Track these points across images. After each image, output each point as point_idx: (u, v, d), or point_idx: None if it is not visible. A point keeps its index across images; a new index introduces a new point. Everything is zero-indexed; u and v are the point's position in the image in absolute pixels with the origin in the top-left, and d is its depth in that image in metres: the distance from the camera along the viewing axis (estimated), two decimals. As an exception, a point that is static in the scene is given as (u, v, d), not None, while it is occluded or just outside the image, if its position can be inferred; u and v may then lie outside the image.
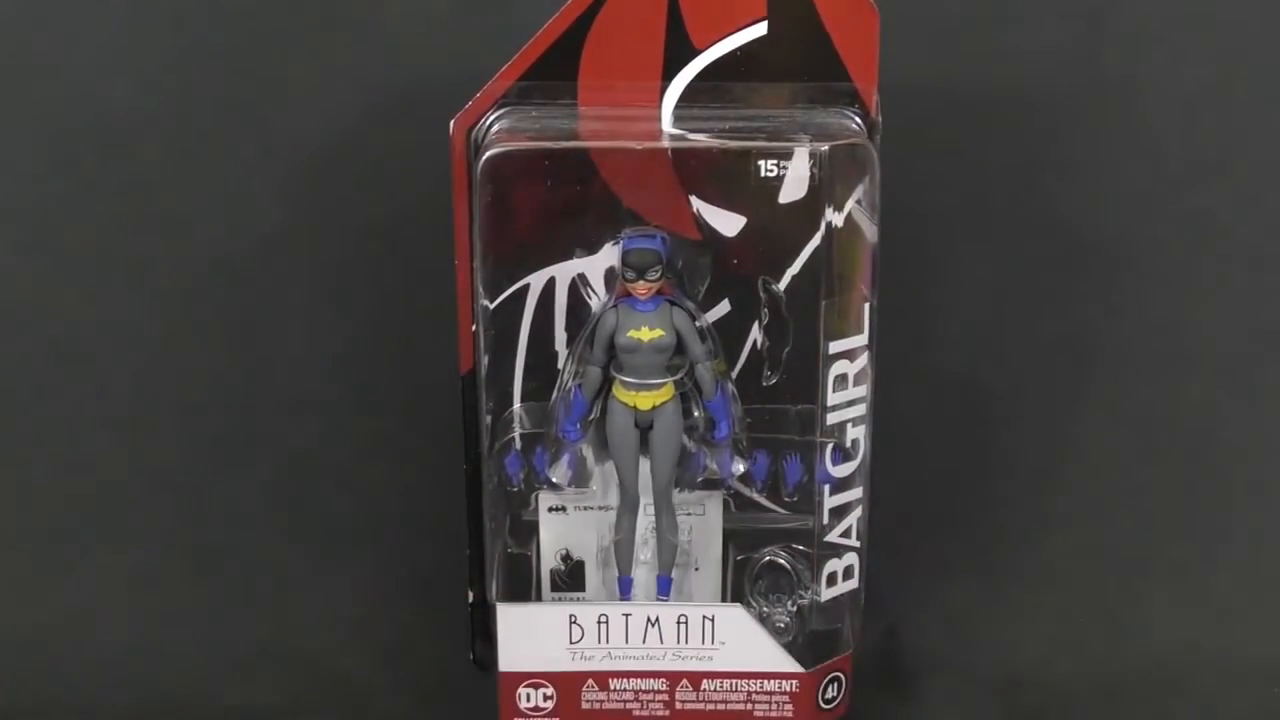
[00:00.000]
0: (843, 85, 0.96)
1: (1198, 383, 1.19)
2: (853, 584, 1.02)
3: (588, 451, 1.01)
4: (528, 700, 1.01)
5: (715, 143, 0.96)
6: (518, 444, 1.01)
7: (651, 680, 1.01)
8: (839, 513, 1.00)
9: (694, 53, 0.96)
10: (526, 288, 0.98)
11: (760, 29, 0.95)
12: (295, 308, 1.18)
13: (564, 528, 1.03)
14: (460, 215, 0.97)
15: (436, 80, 1.08)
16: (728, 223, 0.97)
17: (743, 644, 1.00)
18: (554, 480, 1.01)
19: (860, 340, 0.98)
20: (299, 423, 1.18)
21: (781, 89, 0.96)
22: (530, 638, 1.00)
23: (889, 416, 1.02)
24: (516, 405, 1.00)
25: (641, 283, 0.96)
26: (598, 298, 0.99)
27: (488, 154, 0.95)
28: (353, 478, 1.19)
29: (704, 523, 1.03)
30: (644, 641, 1.00)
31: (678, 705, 1.01)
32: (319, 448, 1.19)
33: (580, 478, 1.02)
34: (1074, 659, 1.10)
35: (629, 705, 1.01)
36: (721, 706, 1.01)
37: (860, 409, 0.99)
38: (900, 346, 1.08)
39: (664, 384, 0.98)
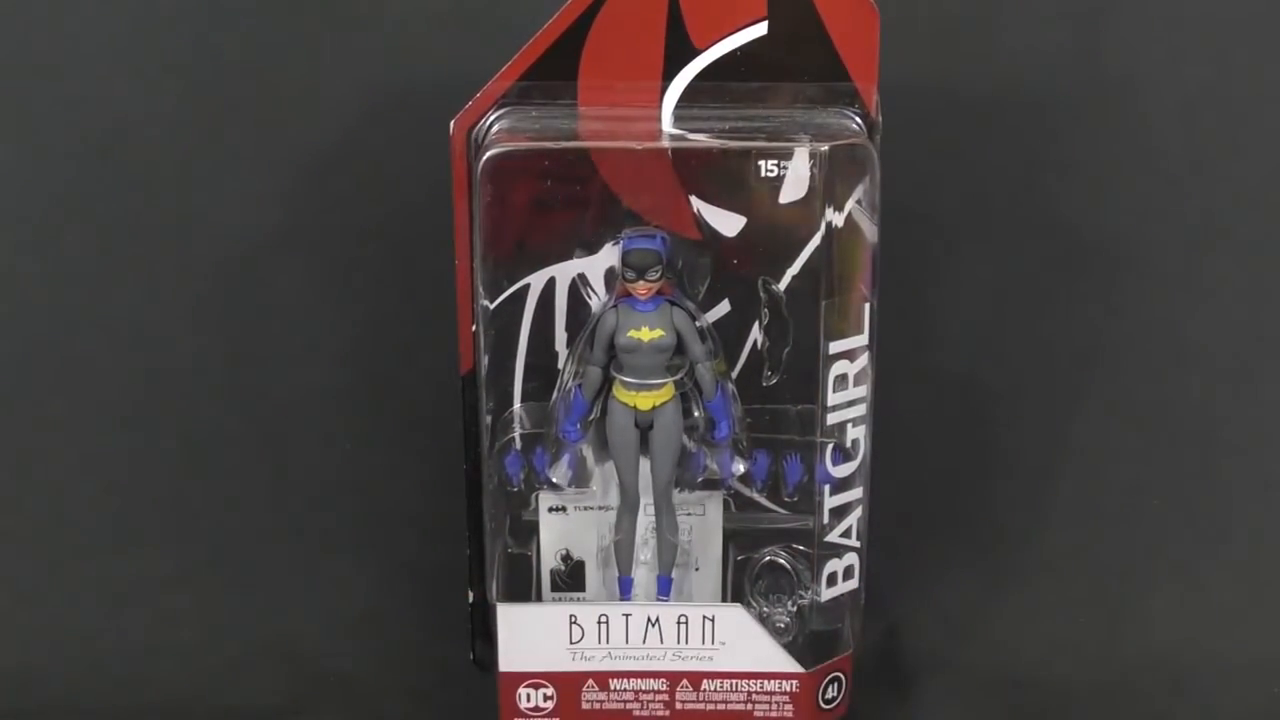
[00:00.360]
0: (843, 85, 0.96)
1: (1198, 383, 1.19)
2: (853, 584, 1.02)
3: (588, 451, 1.01)
4: (528, 700, 1.01)
5: (715, 143, 0.96)
6: (518, 444, 1.01)
7: (652, 680, 1.01)
8: (839, 513, 1.00)
9: (694, 53, 0.96)
10: (526, 288, 0.98)
11: (760, 29, 0.95)
12: (295, 308, 1.18)
13: (564, 528, 1.03)
14: (460, 215, 0.97)
15: (436, 80, 1.08)
16: (728, 223, 0.97)
17: (743, 644, 1.00)
18: (554, 480, 1.01)
19: (860, 340, 0.98)
20: (299, 422, 1.18)
21: (781, 89, 0.96)
22: (530, 638, 1.00)
23: (889, 416, 1.02)
24: (516, 405, 1.00)
25: (641, 283, 0.96)
26: (598, 298, 0.99)
27: (488, 154, 0.95)
28: (353, 477, 1.19)
29: (704, 523, 1.03)
30: (644, 642, 1.00)
31: (678, 705, 1.01)
32: (319, 447, 1.19)
33: (580, 478, 1.02)
34: (1074, 659, 1.10)
35: (629, 705, 1.01)
36: (722, 707, 1.01)
37: (860, 409, 0.99)
38: (900, 346, 1.08)
39: (664, 384, 0.98)
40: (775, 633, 1.02)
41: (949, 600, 1.15)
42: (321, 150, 1.15)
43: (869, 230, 0.97)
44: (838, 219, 0.96)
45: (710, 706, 1.01)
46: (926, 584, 1.15)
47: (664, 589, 1.02)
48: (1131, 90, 1.15)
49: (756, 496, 1.02)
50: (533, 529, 1.03)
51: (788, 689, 1.01)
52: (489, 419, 1.00)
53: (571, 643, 1.00)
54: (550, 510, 1.03)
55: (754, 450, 1.01)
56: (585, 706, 1.01)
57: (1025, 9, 1.14)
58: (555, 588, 1.04)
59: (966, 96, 1.15)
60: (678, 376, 0.98)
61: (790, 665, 1.01)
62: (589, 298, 0.99)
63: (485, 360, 0.99)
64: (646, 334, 0.97)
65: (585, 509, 1.03)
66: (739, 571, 1.04)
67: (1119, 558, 1.17)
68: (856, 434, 0.99)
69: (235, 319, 1.18)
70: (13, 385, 1.18)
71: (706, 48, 0.96)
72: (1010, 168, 1.16)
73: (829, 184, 0.95)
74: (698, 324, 0.98)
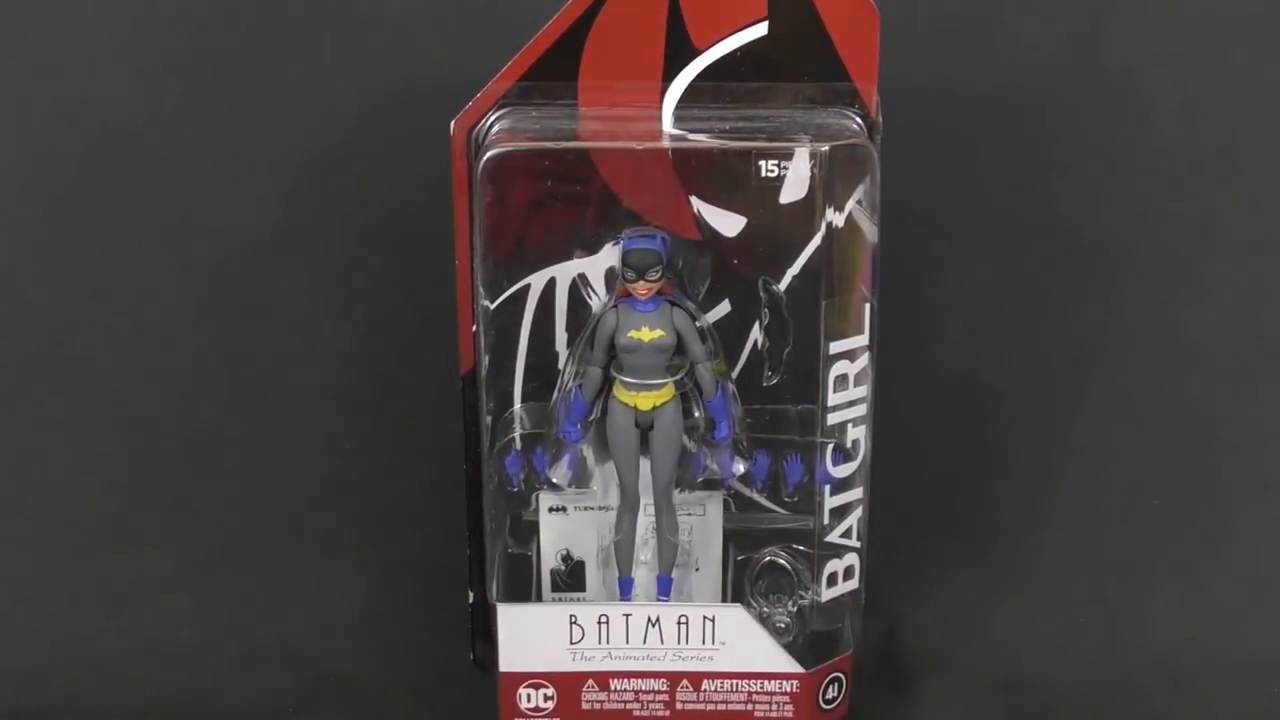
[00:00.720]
0: (843, 85, 0.96)
1: (1198, 383, 1.19)
2: (853, 584, 1.02)
3: (588, 452, 1.01)
4: (528, 700, 1.01)
5: (715, 143, 0.95)
6: (518, 444, 1.01)
7: (652, 680, 1.01)
8: (839, 513, 1.00)
9: (694, 53, 0.96)
10: (527, 288, 0.98)
11: (760, 29, 0.95)
12: (295, 308, 1.18)
13: (564, 528, 1.03)
14: (460, 215, 0.97)
15: (436, 80, 1.08)
16: (728, 223, 0.97)
17: (743, 644, 1.00)
18: (554, 480, 1.01)
19: (860, 340, 0.98)
20: (299, 423, 1.18)
21: (781, 89, 0.96)
22: (530, 638, 1.00)
23: (889, 416, 1.02)
24: (517, 405, 1.00)
25: (642, 283, 0.96)
26: (598, 298, 0.99)
27: (488, 154, 0.95)
28: (353, 477, 1.19)
29: (704, 523, 1.03)
30: (644, 642, 1.00)
31: (678, 705, 1.01)
32: (319, 447, 1.19)
33: (580, 478, 1.02)
34: (1074, 659, 1.10)
35: (629, 705, 1.01)
36: (722, 707, 1.01)
37: (860, 409, 0.99)
38: (900, 346, 1.08)
39: (664, 384, 0.98)
40: (775, 633, 1.02)
41: (949, 600, 1.15)
42: (321, 150, 1.15)
43: (869, 230, 0.97)
44: (838, 219, 0.96)
45: (710, 707, 1.01)
46: (926, 584, 1.15)
47: (664, 589, 1.02)
48: (1131, 90, 1.15)
49: (756, 496, 1.02)
50: (533, 529, 1.03)
51: (788, 689, 1.01)
52: (489, 419, 1.00)
53: (571, 643, 1.00)
54: (550, 510, 1.03)
55: (754, 450, 1.01)
56: (585, 707, 1.01)
57: (1025, 9, 1.14)
58: (555, 588, 1.04)
59: (966, 96, 1.15)
60: (678, 377, 0.98)
61: (790, 665, 1.01)
62: (589, 298, 0.99)
63: (485, 360, 0.99)
64: (647, 334, 0.97)
65: (585, 509, 1.03)
66: (739, 571, 1.04)
67: (1119, 558, 1.17)
68: (856, 434, 0.99)
69: (235, 319, 1.18)
70: (13, 385, 1.18)
71: (707, 48, 0.96)
72: (1010, 168, 1.16)
73: (829, 184, 0.95)
74: (698, 324, 0.98)
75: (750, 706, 1.01)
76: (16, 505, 1.18)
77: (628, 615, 1.00)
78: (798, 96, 0.97)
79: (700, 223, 0.97)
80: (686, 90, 0.96)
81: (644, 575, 1.03)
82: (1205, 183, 1.17)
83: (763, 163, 0.95)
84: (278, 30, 1.14)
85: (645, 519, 1.02)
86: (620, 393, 0.98)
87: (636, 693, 1.01)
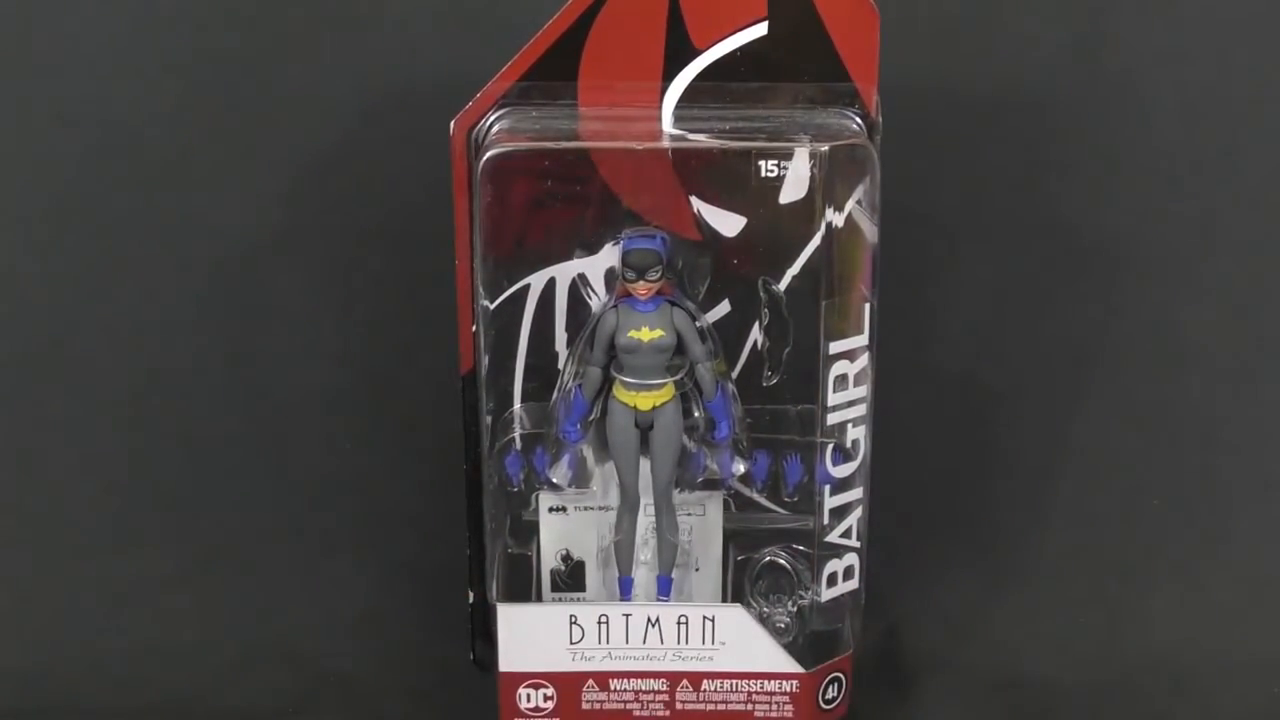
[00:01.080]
0: (843, 85, 0.96)
1: (1198, 383, 1.19)
2: (853, 584, 1.02)
3: (588, 452, 1.01)
4: (528, 700, 1.01)
5: (715, 143, 0.95)
6: (518, 444, 1.01)
7: (652, 680, 1.01)
8: (839, 513, 1.00)
9: (694, 53, 0.96)
10: (526, 288, 0.98)
11: (760, 29, 0.95)
12: (295, 308, 1.18)
13: (564, 528, 1.03)
14: (460, 215, 0.97)
15: (436, 80, 1.08)
16: (728, 223, 0.97)
17: (743, 644, 1.00)
18: (554, 480, 1.01)
19: (860, 340, 0.98)
20: (299, 423, 1.18)
21: (781, 89, 0.96)
22: (530, 638, 1.00)
23: (889, 416, 1.02)
24: (517, 405, 1.00)
25: (642, 283, 0.96)
26: (598, 298, 0.99)
27: (488, 154, 0.95)
28: (353, 477, 1.19)
29: (704, 523, 1.03)
30: (644, 642, 1.00)
31: (678, 705, 1.01)
32: (319, 447, 1.19)
33: (580, 478, 1.02)
34: (1074, 659, 1.10)
35: (629, 705, 1.01)
36: (722, 707, 1.01)
37: (860, 409, 0.99)
38: (900, 346, 1.08)
39: (664, 384, 0.98)
40: (775, 633, 1.02)
41: (949, 600, 1.15)
42: (321, 150, 1.15)
43: (869, 230, 0.97)
44: (838, 219, 0.96)
45: (710, 707, 1.01)
46: (926, 584, 1.15)
47: (664, 589, 1.02)
48: (1131, 90, 1.15)
49: (756, 497, 1.02)
50: (533, 529, 1.03)
51: (788, 689, 1.01)
52: (489, 419, 1.00)
53: (571, 643, 1.00)
54: (550, 510, 1.03)
55: (754, 450, 1.01)
56: (585, 707, 1.01)
57: (1025, 9, 1.14)
58: (555, 588, 1.04)
59: (966, 96, 1.15)
60: (678, 377, 0.98)
61: (790, 665, 1.01)
62: (589, 298, 0.99)
63: (485, 360, 0.99)
64: (646, 334, 0.97)
65: (585, 509, 1.03)
66: (739, 571, 1.04)
67: (1119, 558, 1.17)
68: (856, 434, 0.99)
69: (235, 319, 1.18)
70: (13, 385, 1.18)
71: (706, 48, 0.96)
72: (1010, 168, 1.16)
73: (829, 184, 0.95)
74: (698, 324, 0.98)
75: (750, 706, 1.01)
76: (16, 505, 1.18)
77: (628, 615, 1.00)
78: (798, 96, 0.97)
79: (700, 223, 0.97)
80: (686, 90, 0.96)
81: (644, 575, 1.03)
82: (1205, 183, 1.17)
83: (763, 163, 0.95)
84: (278, 30, 1.14)
85: (645, 519, 1.02)
86: (620, 393, 0.98)
87: (636, 693, 1.01)
